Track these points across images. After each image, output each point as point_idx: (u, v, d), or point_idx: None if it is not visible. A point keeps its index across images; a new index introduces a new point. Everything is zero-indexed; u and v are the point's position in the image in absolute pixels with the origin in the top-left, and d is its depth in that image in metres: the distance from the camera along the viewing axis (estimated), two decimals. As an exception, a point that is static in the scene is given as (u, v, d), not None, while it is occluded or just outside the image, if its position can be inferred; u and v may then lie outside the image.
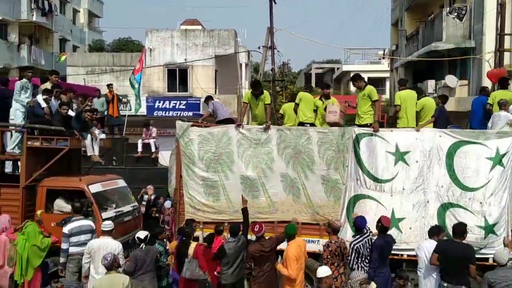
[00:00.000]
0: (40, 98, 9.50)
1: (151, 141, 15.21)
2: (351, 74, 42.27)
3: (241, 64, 28.18)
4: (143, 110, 22.38)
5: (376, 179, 8.06)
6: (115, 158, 14.82)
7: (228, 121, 9.44)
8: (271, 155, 8.46)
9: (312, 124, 9.01)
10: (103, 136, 11.39)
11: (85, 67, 26.88)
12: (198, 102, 23.16)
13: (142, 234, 7.15)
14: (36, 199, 8.92)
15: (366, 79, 9.71)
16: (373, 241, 6.99)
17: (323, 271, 5.75)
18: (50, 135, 9.08)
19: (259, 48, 21.23)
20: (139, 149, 15.11)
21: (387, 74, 32.61)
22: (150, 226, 9.73)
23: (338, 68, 47.32)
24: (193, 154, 8.64)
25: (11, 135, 9.62)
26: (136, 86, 15.10)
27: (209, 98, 10.31)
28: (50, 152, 9.12)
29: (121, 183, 10.20)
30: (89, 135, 9.99)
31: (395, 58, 25.80)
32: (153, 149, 15.15)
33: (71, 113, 9.98)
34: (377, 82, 34.22)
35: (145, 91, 23.98)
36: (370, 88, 8.63)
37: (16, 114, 9.52)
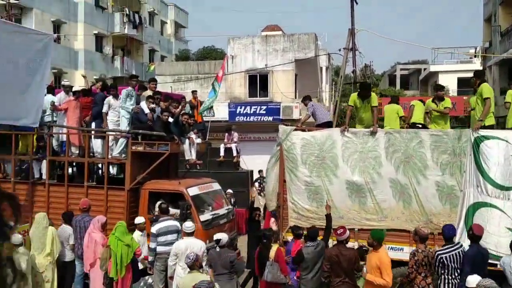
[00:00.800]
0: (143, 104, 9.80)
1: (233, 146, 15.51)
2: (439, 75, 40.10)
3: (321, 68, 27.88)
4: (225, 116, 22.98)
5: (499, 186, 7.37)
6: (187, 163, 15.37)
7: (328, 124, 9.30)
8: (379, 159, 8.06)
9: (424, 126, 8.57)
10: (199, 140, 11.53)
11: (172, 76, 28.13)
12: (278, 107, 23.28)
13: (219, 236, 7.27)
14: (139, 201, 9.36)
15: (455, 79, 9.14)
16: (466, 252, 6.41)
17: (472, 280, 5.48)
18: (152, 140, 9.45)
19: (339, 50, 20.85)
20: (221, 153, 15.46)
21: (480, 74, 30.35)
22: (253, 229, 9.74)
23: (425, 69, 45.10)
24: (296, 158, 8.47)
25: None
26: (217, 91, 15.56)
27: (307, 98, 10.07)
28: (152, 156, 9.51)
29: (216, 186, 10.42)
30: (187, 140, 10.26)
31: (489, 56, 24.04)
32: (234, 154, 15.43)
33: (170, 119, 10.35)
34: (469, 82, 32.07)
35: (227, 97, 24.59)
36: (485, 87, 8.01)
37: (122, 121, 9.95)
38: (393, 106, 9.18)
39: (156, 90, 10.87)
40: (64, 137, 10.36)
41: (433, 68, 41.15)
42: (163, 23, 39.72)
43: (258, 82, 24.88)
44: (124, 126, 9.90)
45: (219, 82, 14.59)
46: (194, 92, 16.31)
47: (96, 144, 10.15)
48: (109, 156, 9.74)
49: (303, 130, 8.81)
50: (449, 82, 36.95)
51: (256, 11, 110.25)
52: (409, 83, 49.37)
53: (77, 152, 10.14)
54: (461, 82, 35.65)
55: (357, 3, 19.88)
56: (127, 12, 32.03)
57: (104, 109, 10.03)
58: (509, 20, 22.04)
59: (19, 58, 8.97)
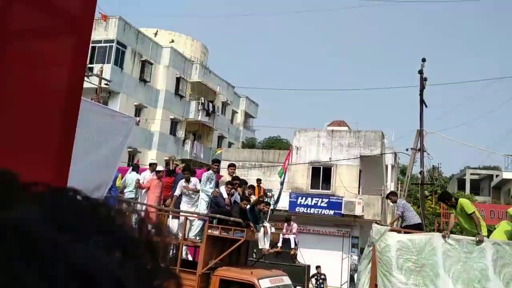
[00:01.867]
0: (222, 189, 9.95)
1: (291, 237, 15.34)
2: (513, 182, 37.80)
3: (387, 166, 27.59)
4: (285, 205, 22.98)
5: None
6: (255, 251, 15.22)
7: (418, 226, 8.91)
8: (486, 272, 7.34)
9: None
10: (273, 230, 11.40)
11: (237, 162, 28.98)
12: (340, 201, 23.00)
13: None
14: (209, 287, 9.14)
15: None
16: None
17: None
18: (228, 225, 9.46)
19: (406, 150, 20.72)
20: (279, 243, 15.31)
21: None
22: None
23: (497, 175, 43.13)
24: (391, 262, 7.83)
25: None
26: (281, 180, 15.85)
27: (394, 195, 9.87)
28: (227, 241, 9.51)
29: (287, 280, 10.03)
30: (262, 228, 10.18)
31: None
32: (292, 245, 15.20)
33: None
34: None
35: (289, 187, 24.75)
36: None
37: (200, 203, 10.06)
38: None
39: (235, 175, 11.05)
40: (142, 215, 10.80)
41: (506, 175, 39.27)
42: (234, 112, 41.92)
43: (321, 174, 24.98)
44: (203, 208, 9.99)
45: (285, 172, 14.89)
46: (259, 180, 16.69)
47: (173, 225, 10.26)
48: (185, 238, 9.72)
49: (399, 232, 8.33)
50: (525, 191, 34.85)
51: (322, 106, 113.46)
52: (479, 189, 47.13)
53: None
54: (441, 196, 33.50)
55: (426, 106, 19.99)
56: (203, 101, 34.31)
57: (176, 192, 10.26)
58: None
59: (103, 136, 9.84)
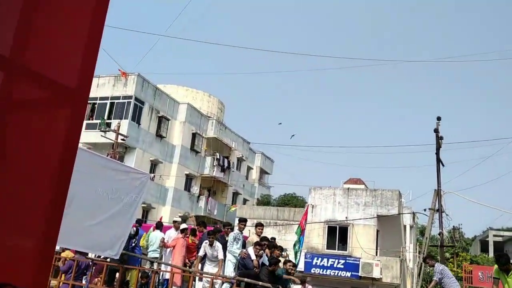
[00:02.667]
0: (250, 250, 9.56)
1: (306, 300, 14.64)
2: (540, 246, 36.23)
3: (405, 226, 26.77)
4: (301, 266, 22.20)
5: None
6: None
7: None
8: None
9: None
10: None
11: (252, 219, 28.50)
12: (358, 262, 22.17)
13: None
14: None
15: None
16: None
17: None
18: None
19: (424, 210, 20.12)
20: (294, 307, 14.61)
21: None
22: None
23: (521, 237, 41.50)
24: None
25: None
26: (299, 244, 15.37)
27: (431, 258, 9.55)
28: None
29: None
30: None
31: None
32: (307, 309, 14.48)
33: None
34: None
35: (304, 247, 24.04)
36: None
37: (227, 265, 9.67)
38: None
39: (263, 235, 10.66)
40: (167, 275, 10.23)
41: (531, 238, 37.73)
42: (249, 168, 41.85)
43: (338, 234, 24.29)
44: (230, 270, 9.60)
45: (302, 235, 14.46)
46: (273, 239, 16.24)
47: (198, 286, 9.91)
48: None
49: None
50: (553, 255, 33.30)
51: (339, 164, 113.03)
52: (504, 251, 45.21)
53: None
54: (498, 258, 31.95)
55: (443, 165, 19.64)
56: (218, 157, 34.40)
57: (200, 253, 9.91)
58: None
59: (118, 194, 9.76)
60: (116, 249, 9.90)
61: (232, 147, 37.36)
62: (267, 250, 10.10)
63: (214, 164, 34.30)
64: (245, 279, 9.12)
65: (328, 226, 24.46)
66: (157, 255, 10.88)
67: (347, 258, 22.89)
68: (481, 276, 22.02)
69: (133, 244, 11.20)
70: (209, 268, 9.87)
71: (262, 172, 44.65)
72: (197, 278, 9.98)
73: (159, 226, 11.62)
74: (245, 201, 39.70)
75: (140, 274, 10.50)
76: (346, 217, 23.84)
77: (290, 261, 10.32)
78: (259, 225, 10.81)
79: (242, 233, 10.14)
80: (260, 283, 9.00)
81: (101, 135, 25.33)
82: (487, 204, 20.97)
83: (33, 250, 1.30)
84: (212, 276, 9.50)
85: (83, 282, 9.94)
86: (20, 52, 1.24)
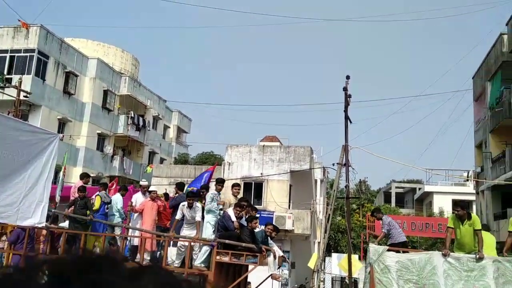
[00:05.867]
0: (230, 211, 9.16)
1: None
2: (434, 195, 40.29)
3: (316, 180, 28.18)
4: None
5: None
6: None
7: (404, 244, 8.69)
8: None
9: None
10: (280, 253, 10.37)
11: (169, 178, 28.36)
12: (272, 216, 23.07)
13: None
14: None
15: (450, 201, 9.11)
16: None
17: None
18: (239, 251, 8.66)
19: (333, 165, 21.23)
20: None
21: (473, 197, 30.71)
22: None
23: (419, 188, 45.64)
24: (391, 283, 7.61)
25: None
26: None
27: (378, 212, 9.57)
28: (232, 268, 8.80)
29: None
30: (271, 253, 9.26)
31: (481, 181, 24.44)
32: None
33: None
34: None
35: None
36: (476, 218, 7.82)
37: (206, 227, 9.23)
38: (486, 233, 8.43)
39: (243, 197, 10.37)
40: (135, 241, 9.83)
41: (427, 188, 41.62)
42: (166, 127, 41.10)
43: (253, 190, 24.98)
44: (209, 233, 9.15)
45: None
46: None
47: (172, 252, 9.38)
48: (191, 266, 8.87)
49: (397, 251, 8.11)
50: (444, 204, 37.07)
51: (255, 121, 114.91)
52: (404, 201, 49.53)
53: (149, 258, 9.53)
54: (455, 204, 35.74)
55: (351, 122, 20.69)
56: (132, 115, 33.29)
57: (178, 216, 9.31)
58: (499, 147, 22.79)
59: (25, 156, 9.09)
60: (38, 216, 9.26)
61: (148, 105, 36.31)
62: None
63: (128, 123, 33.20)
64: (226, 241, 8.69)
65: (244, 183, 25.02)
66: (119, 220, 10.36)
67: (262, 212, 23.67)
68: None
69: (106, 211, 10.59)
70: (186, 231, 9.33)
71: (180, 130, 44.08)
72: (171, 242, 9.40)
73: (106, 187, 11.20)
74: (162, 160, 39.18)
75: (107, 241, 9.96)
76: (261, 173, 24.51)
77: (271, 224, 9.84)
78: (235, 185, 10.35)
79: (219, 194, 9.69)
80: (244, 244, 8.62)
81: (0, 92, 23.30)
82: (388, 158, 22.68)
83: None
84: (191, 239, 8.99)
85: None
86: None
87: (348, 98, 20.25)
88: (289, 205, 24.41)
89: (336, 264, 23.23)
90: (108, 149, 32.31)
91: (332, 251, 30.95)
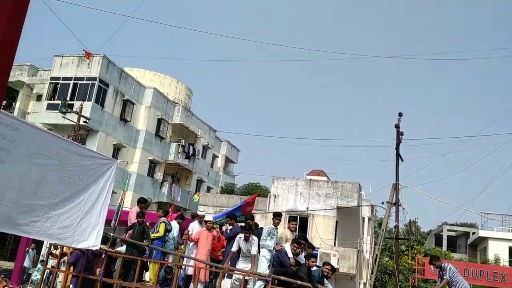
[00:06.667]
0: (287, 247, 8.97)
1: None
2: (489, 241, 38.12)
3: (363, 218, 27.49)
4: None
5: None
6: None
7: None
8: None
9: None
10: None
11: (214, 207, 28.60)
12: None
13: None
14: None
15: (507, 248, 8.75)
16: None
17: None
18: None
19: (382, 203, 20.71)
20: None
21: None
22: None
23: (473, 233, 43.36)
24: None
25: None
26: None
27: (437, 259, 9.40)
28: None
29: None
30: None
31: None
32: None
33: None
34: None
35: (265, 236, 24.35)
36: None
37: (261, 261, 9.07)
38: None
39: (302, 234, 10.11)
40: (190, 270, 9.72)
41: (482, 233, 39.51)
42: (214, 156, 41.77)
43: (298, 224, 24.67)
44: (264, 267, 8.96)
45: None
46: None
47: (225, 285, 9.26)
48: None
49: None
50: (500, 251, 34.98)
51: (303, 156, 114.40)
52: (456, 245, 47.18)
53: None
54: (513, 251, 33.68)
55: (402, 160, 20.20)
56: (183, 144, 34.17)
57: (233, 248, 9.21)
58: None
59: (85, 180, 9.39)
60: (93, 239, 9.49)
61: (198, 135, 37.17)
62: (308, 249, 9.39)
63: (179, 151, 34.05)
64: (282, 277, 8.44)
65: (289, 216, 24.80)
66: (172, 248, 10.41)
67: (306, 248, 23.32)
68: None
69: (166, 238, 10.63)
70: (241, 264, 9.20)
71: (228, 160, 44.66)
72: (225, 274, 9.22)
73: (181, 217, 11.31)
74: (209, 189, 39.66)
75: (163, 269, 9.89)
76: (307, 208, 24.24)
77: (328, 263, 9.46)
78: (292, 221, 10.05)
79: (277, 228, 9.47)
80: (299, 282, 8.34)
81: (62, 116, 24.68)
82: (441, 199, 21.79)
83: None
84: (245, 273, 8.81)
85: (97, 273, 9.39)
86: None
87: (400, 136, 19.92)
88: (335, 242, 23.86)
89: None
90: (159, 175, 33.17)
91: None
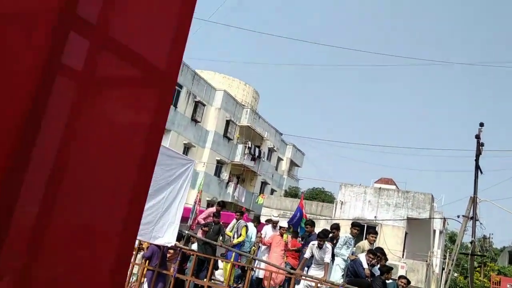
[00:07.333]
0: (362, 257, 8.86)
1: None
2: None
3: (434, 231, 26.35)
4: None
5: None
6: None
7: None
8: None
9: None
10: None
11: (278, 210, 28.65)
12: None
13: None
14: None
15: None
16: None
17: None
18: None
19: (458, 217, 19.73)
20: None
21: None
22: None
23: (554, 253, 40.21)
24: None
25: None
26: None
27: None
28: None
29: None
30: None
31: None
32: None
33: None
34: None
35: (330, 242, 24.04)
36: None
37: (335, 270, 9.07)
38: None
39: (379, 247, 9.87)
40: (260, 274, 9.85)
41: None
42: (279, 159, 41.86)
43: (365, 233, 24.11)
44: (338, 276, 8.96)
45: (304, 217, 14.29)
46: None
47: None
48: None
49: None
50: None
51: (370, 162, 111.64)
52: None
53: None
54: None
55: (482, 173, 19.17)
56: (249, 145, 34.57)
57: (306, 255, 9.21)
58: None
59: (165, 179, 9.76)
60: (169, 236, 9.86)
61: (264, 137, 37.43)
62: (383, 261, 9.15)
63: (245, 152, 34.47)
64: None
65: (358, 225, 24.30)
66: (248, 249, 10.61)
67: (373, 258, 22.73)
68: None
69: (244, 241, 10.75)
70: (314, 271, 9.14)
71: (292, 164, 44.57)
72: (298, 281, 9.24)
73: (257, 220, 11.52)
74: (272, 191, 39.81)
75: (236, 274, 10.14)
76: (375, 217, 23.65)
77: (405, 277, 9.27)
78: (373, 233, 9.96)
79: (354, 238, 9.42)
80: None
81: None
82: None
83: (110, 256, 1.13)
84: (318, 281, 8.79)
85: (171, 270, 9.73)
86: (107, 21, 1.04)
87: (481, 147, 18.91)
88: (403, 254, 23.09)
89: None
90: (225, 175, 33.78)
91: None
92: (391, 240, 22.93)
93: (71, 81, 0.99)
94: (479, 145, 18.71)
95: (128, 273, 11.29)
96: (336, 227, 10.29)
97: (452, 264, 18.66)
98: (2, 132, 0.85)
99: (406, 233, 23.53)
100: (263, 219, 27.76)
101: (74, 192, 1.01)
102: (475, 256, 26.86)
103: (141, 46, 1.13)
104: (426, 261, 23.18)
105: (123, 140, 1.13)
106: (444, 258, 26.77)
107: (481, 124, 18.85)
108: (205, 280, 9.78)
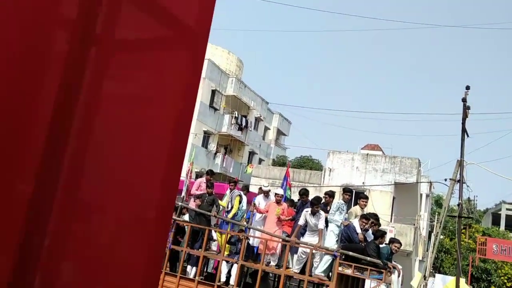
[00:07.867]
0: (356, 222, 8.84)
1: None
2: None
3: (421, 195, 26.73)
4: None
5: None
6: None
7: None
8: None
9: None
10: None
11: (267, 179, 28.71)
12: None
13: None
14: None
15: None
16: None
17: None
18: (362, 264, 8.32)
19: (445, 180, 19.92)
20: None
21: None
22: None
23: (535, 213, 41.37)
24: None
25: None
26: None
27: None
28: (354, 281, 8.56)
29: None
30: (395, 270, 8.68)
31: None
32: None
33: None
34: None
35: (319, 209, 24.26)
36: None
37: (330, 236, 9.08)
38: None
39: (372, 213, 9.81)
40: (256, 242, 9.82)
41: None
42: (266, 129, 41.71)
43: (353, 198, 24.35)
44: (332, 242, 8.99)
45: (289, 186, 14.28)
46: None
47: (292, 259, 9.35)
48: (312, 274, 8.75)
49: None
50: None
51: (357, 129, 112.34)
52: (516, 225, 45.23)
53: (276, 262, 9.49)
54: None
55: (468, 136, 19.24)
56: (236, 115, 34.27)
57: (300, 222, 9.19)
58: None
59: None
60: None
61: (251, 106, 37.12)
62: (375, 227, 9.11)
63: (232, 123, 34.20)
64: (350, 253, 8.43)
65: (353, 192, 24.51)
66: (240, 219, 10.53)
67: (362, 223, 23.05)
68: (495, 249, 22.07)
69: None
70: (308, 238, 9.18)
71: (279, 133, 44.50)
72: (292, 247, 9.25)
73: (247, 189, 11.50)
74: (260, 161, 39.82)
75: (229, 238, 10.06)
76: (363, 182, 23.83)
77: (398, 241, 9.32)
78: (363, 197, 9.97)
79: (347, 204, 9.46)
80: (369, 258, 8.29)
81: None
82: (509, 177, 20.61)
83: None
84: (313, 247, 8.83)
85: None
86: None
87: (467, 110, 18.90)
88: (391, 218, 23.43)
89: (442, 286, 21.85)
90: (212, 146, 33.59)
91: (433, 271, 29.16)
92: (379, 205, 23.18)
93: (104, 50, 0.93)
94: (466, 108, 18.70)
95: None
96: (330, 194, 10.28)
97: (440, 227, 18.95)
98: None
99: (393, 198, 23.81)
100: (252, 189, 27.83)
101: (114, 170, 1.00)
102: (462, 218, 27.39)
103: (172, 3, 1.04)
104: (414, 225, 23.59)
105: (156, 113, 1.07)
106: (431, 221, 27.29)
107: (467, 87, 18.77)
108: (200, 250, 9.73)
